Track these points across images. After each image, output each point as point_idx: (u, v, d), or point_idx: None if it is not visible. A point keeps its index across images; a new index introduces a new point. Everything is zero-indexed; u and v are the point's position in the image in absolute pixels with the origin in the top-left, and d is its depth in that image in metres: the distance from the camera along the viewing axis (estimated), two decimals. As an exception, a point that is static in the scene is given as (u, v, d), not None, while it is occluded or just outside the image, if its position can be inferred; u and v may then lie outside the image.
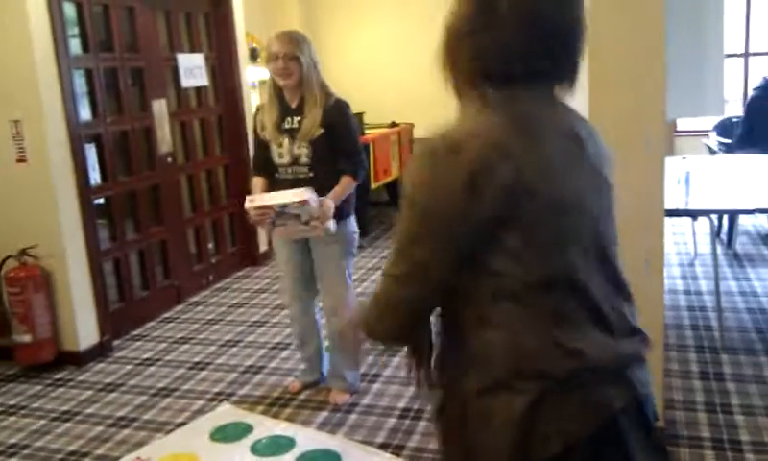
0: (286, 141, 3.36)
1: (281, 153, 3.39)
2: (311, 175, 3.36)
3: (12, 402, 3.86)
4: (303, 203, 3.17)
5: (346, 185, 3.38)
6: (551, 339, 1.26)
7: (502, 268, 1.26)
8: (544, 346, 1.27)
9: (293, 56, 3.28)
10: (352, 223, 3.54)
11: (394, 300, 1.34)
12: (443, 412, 1.43)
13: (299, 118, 3.35)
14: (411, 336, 1.45)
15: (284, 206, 3.19)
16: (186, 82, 5.42)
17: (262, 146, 3.47)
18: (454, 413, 1.38)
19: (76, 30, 4.53)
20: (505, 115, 1.28)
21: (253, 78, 6.36)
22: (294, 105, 3.38)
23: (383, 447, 3.18)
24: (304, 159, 3.35)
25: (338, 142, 3.36)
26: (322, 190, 3.31)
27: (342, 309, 3.52)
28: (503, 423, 1.27)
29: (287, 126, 3.37)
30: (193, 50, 5.59)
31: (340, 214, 3.39)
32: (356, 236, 3.57)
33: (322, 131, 3.32)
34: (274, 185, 3.46)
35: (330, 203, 3.29)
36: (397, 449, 3.16)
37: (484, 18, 1.31)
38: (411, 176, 1.30)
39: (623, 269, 1.40)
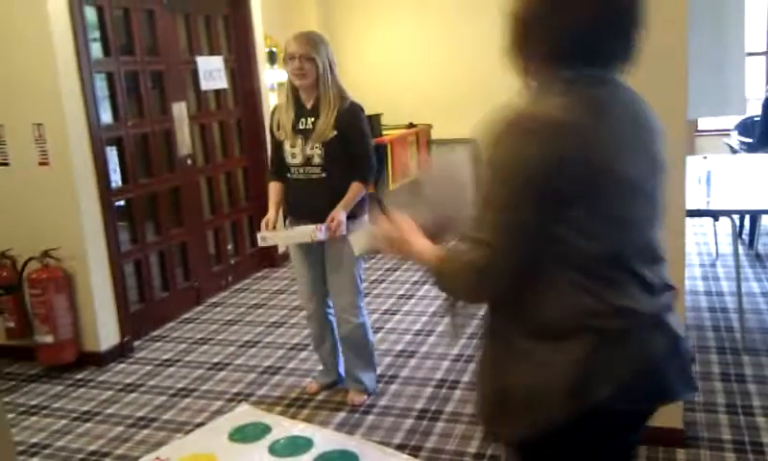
0: (299, 141, 3.38)
1: (294, 153, 3.40)
2: (323, 175, 3.37)
3: (33, 402, 3.90)
4: (313, 239, 3.33)
5: (356, 192, 3.40)
6: (606, 301, 1.43)
7: (568, 237, 1.41)
8: (601, 307, 1.43)
9: (309, 57, 3.30)
10: (364, 222, 3.55)
11: (492, 269, 1.44)
12: (490, 357, 1.57)
13: (313, 119, 3.37)
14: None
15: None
16: (206, 84, 5.46)
17: (278, 147, 3.49)
18: (502, 357, 1.53)
19: (97, 34, 4.58)
20: (582, 95, 1.42)
21: (272, 80, 6.39)
22: (309, 105, 3.39)
23: (401, 447, 3.19)
24: (317, 160, 3.36)
25: (350, 146, 3.36)
26: (334, 191, 3.35)
27: (351, 314, 3.52)
28: (562, 369, 1.43)
29: (301, 126, 3.39)
30: (212, 53, 5.63)
31: (352, 216, 3.42)
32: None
33: (335, 133, 3.33)
34: (287, 187, 3.49)
35: (341, 216, 3.33)
36: (415, 450, 3.16)
37: (553, 2, 1.43)
38: (500, 149, 1.40)
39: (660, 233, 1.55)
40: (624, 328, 1.45)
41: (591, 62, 1.44)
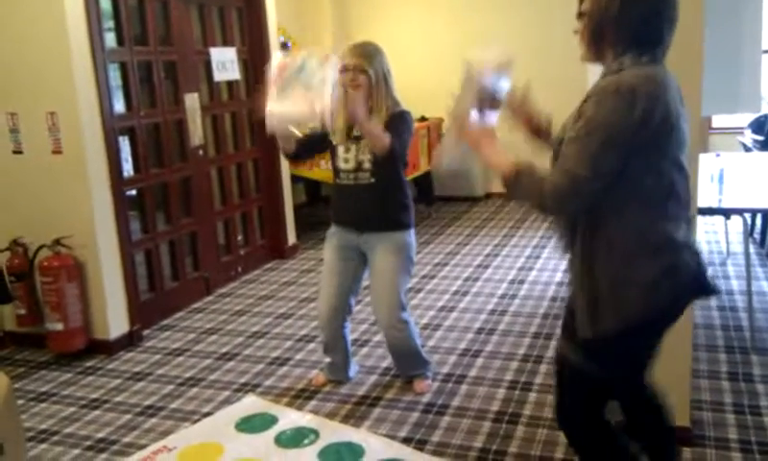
0: (353, 147, 3.39)
1: (347, 158, 3.40)
2: (372, 180, 3.38)
3: (43, 389, 3.94)
4: (327, 58, 3.19)
5: (382, 132, 3.22)
6: (666, 231, 1.94)
7: (641, 177, 1.88)
8: (662, 236, 1.94)
9: (362, 68, 3.31)
10: (412, 236, 3.52)
11: (581, 194, 1.90)
12: (580, 273, 2.03)
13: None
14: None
15: (302, 67, 3.17)
16: (219, 75, 5.47)
17: (330, 151, 3.48)
18: (590, 274, 1.99)
19: (111, 23, 4.60)
20: (652, 71, 1.88)
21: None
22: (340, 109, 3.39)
23: (406, 441, 3.19)
24: (367, 165, 3.37)
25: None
26: (380, 197, 3.39)
27: (397, 330, 3.49)
28: (640, 282, 1.93)
29: (356, 133, 3.39)
30: (225, 44, 5.64)
31: (401, 223, 3.43)
32: (414, 252, 3.55)
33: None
34: (334, 192, 3.54)
35: (364, 116, 3.21)
36: (420, 444, 3.16)
37: (622, 3, 1.91)
38: (598, 106, 1.85)
39: None
40: (677, 252, 1.96)
41: (652, 48, 1.92)
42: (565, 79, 7.15)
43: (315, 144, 3.55)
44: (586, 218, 1.98)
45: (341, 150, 3.42)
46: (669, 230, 1.94)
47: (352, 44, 3.42)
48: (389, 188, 3.42)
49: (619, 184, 1.88)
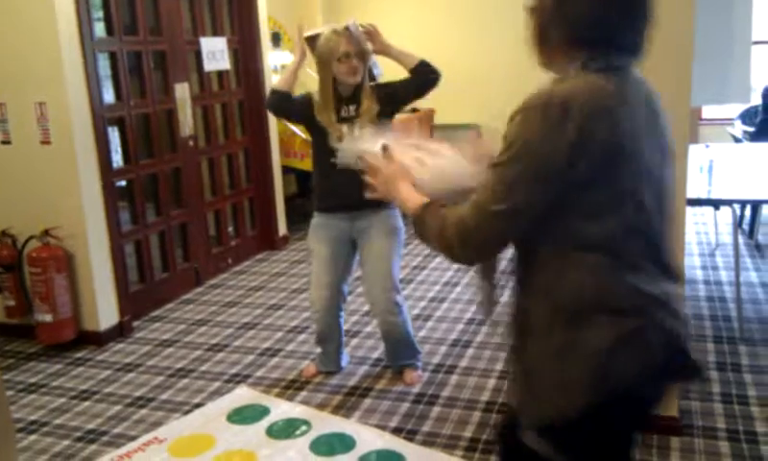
0: (345, 128, 3.38)
1: (341, 136, 3.38)
2: None
3: (32, 380, 3.93)
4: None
5: (410, 53, 3.45)
6: (628, 284, 1.48)
7: (588, 219, 1.46)
8: (623, 289, 1.48)
9: (364, 53, 3.34)
10: (401, 219, 3.55)
11: (488, 232, 1.51)
12: (517, 341, 1.62)
13: (354, 106, 3.39)
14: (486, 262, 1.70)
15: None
16: (209, 65, 5.45)
17: (319, 134, 3.45)
18: (527, 341, 1.57)
19: (100, 13, 4.57)
20: (598, 80, 1.47)
21: (276, 62, 6.37)
22: (347, 94, 3.40)
23: (397, 431, 3.20)
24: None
25: (398, 90, 3.45)
26: None
27: (392, 314, 3.51)
28: (588, 353, 1.46)
29: (344, 115, 3.39)
30: (216, 34, 5.61)
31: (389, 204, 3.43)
32: (404, 235, 3.58)
33: (378, 108, 3.40)
34: (323, 176, 3.46)
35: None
36: (411, 434, 3.17)
37: None
38: (521, 126, 1.46)
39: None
40: (645, 311, 1.49)
41: (605, 50, 1.50)
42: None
43: (294, 109, 3.52)
44: (520, 267, 1.63)
45: (333, 134, 3.39)
46: (631, 281, 1.48)
47: (337, 30, 3.36)
48: None
49: (557, 223, 1.48)
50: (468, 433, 3.16)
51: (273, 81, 6.18)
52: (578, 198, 1.44)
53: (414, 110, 7.18)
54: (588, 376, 1.46)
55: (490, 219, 1.48)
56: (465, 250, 1.55)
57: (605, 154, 1.42)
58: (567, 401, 1.48)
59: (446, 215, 1.57)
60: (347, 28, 3.33)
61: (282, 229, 6.32)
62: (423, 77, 3.41)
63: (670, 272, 1.56)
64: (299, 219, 6.69)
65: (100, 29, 4.53)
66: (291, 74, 3.50)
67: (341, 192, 3.39)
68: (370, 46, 3.39)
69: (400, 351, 3.67)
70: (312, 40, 3.41)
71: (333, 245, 3.52)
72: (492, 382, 3.60)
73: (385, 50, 3.44)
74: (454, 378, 3.66)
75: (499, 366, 3.77)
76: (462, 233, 1.52)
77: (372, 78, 3.56)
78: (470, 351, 3.96)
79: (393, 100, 3.45)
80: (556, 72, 1.56)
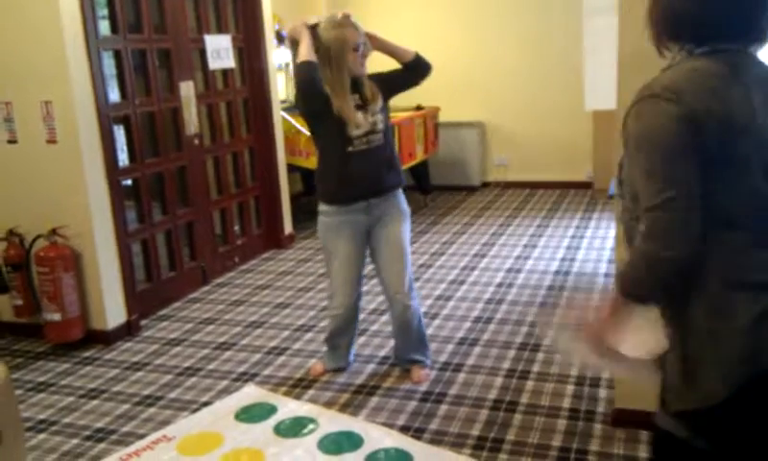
0: (360, 115, 3.39)
1: (358, 124, 3.38)
2: (384, 141, 3.47)
3: (41, 379, 3.93)
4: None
5: (405, 48, 3.55)
6: (762, 258, 1.50)
7: (718, 195, 1.48)
8: (759, 264, 1.49)
9: (367, 43, 3.40)
10: (405, 200, 3.65)
11: (675, 221, 1.47)
12: (668, 329, 1.61)
13: (358, 95, 3.42)
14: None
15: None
16: (213, 63, 5.45)
17: (335, 123, 3.38)
18: (675, 328, 1.58)
19: (105, 11, 4.57)
20: (704, 62, 1.53)
21: (280, 60, 6.37)
22: (348, 84, 3.39)
23: (404, 429, 3.20)
24: (380, 126, 3.45)
25: (393, 78, 3.57)
26: (390, 154, 3.52)
27: (408, 298, 3.53)
28: (731, 337, 1.48)
29: (354, 103, 3.41)
30: (220, 32, 5.61)
31: (402, 179, 3.60)
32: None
33: (379, 93, 3.48)
34: (341, 165, 3.42)
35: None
36: (418, 432, 3.17)
37: None
38: (636, 121, 1.52)
39: None
40: None
41: (710, 38, 1.55)
42: (563, 68, 7.15)
43: (319, 88, 3.37)
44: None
45: (351, 124, 3.37)
46: (764, 255, 1.51)
47: (340, 19, 3.36)
48: (391, 144, 3.56)
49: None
50: (475, 431, 3.15)
51: (277, 79, 6.18)
52: (709, 175, 1.47)
53: (419, 108, 7.18)
54: (734, 360, 1.48)
55: (669, 208, 1.46)
56: (676, 249, 1.48)
57: (721, 129, 1.47)
58: (714, 386, 1.50)
59: (637, 250, 1.54)
60: (348, 16, 3.37)
61: (288, 227, 6.32)
62: (419, 69, 3.55)
63: None
64: (304, 217, 6.70)
65: (105, 27, 4.53)
66: (311, 49, 3.35)
67: (359, 181, 3.42)
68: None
69: (412, 342, 3.66)
70: (312, 29, 3.40)
71: (354, 241, 3.50)
72: (499, 380, 3.60)
73: (383, 46, 3.52)
74: (461, 377, 3.66)
75: (507, 364, 3.77)
76: (661, 237, 1.48)
77: None
78: (477, 350, 3.95)
79: (388, 89, 3.53)
80: (669, 53, 1.62)
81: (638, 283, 1.56)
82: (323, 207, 3.53)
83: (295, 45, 3.42)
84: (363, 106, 3.41)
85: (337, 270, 3.56)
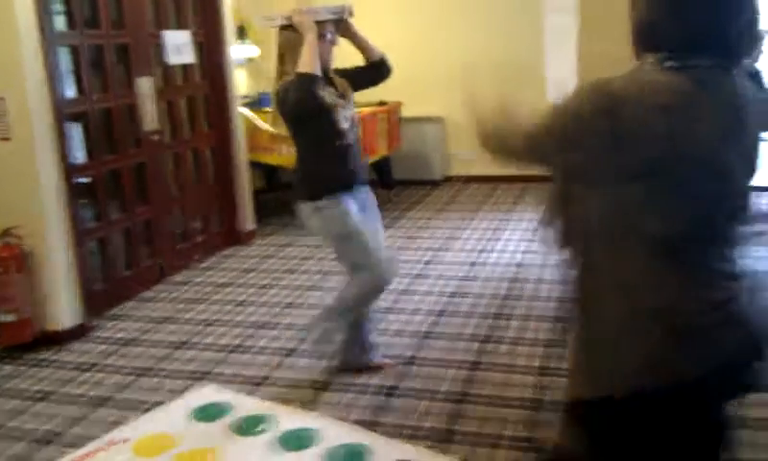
0: (340, 110, 3.36)
1: (346, 116, 3.37)
2: (356, 134, 3.49)
3: (-11, 382, 3.85)
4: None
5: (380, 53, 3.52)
6: (689, 290, 1.47)
7: (647, 218, 1.44)
8: (683, 295, 1.47)
9: (333, 29, 3.35)
10: None
11: (531, 132, 1.59)
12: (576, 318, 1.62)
13: (332, 89, 3.37)
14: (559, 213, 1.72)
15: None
16: (173, 59, 5.38)
17: (326, 115, 3.32)
18: (582, 321, 1.60)
19: (60, 6, 4.49)
20: (668, 76, 1.43)
21: (241, 55, 6.31)
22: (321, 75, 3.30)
23: (358, 423, 3.19)
24: (356, 118, 3.49)
25: (355, 75, 3.51)
26: (360, 147, 3.53)
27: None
28: (641, 346, 1.47)
29: (335, 96, 3.38)
30: (180, 27, 5.54)
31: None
32: None
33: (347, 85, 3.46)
34: (333, 159, 3.38)
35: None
36: (373, 426, 3.16)
37: None
38: (572, 97, 1.51)
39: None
40: (707, 315, 1.47)
41: (682, 52, 1.46)
42: (525, 64, 7.19)
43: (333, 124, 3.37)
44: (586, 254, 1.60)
45: (339, 113, 3.34)
46: (698, 289, 1.48)
47: (315, 7, 3.32)
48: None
49: (614, 220, 1.49)
50: (429, 423, 3.17)
51: (238, 75, 6.12)
52: (628, 190, 1.45)
53: (382, 103, 7.16)
54: (640, 365, 1.48)
55: (537, 128, 1.58)
56: (525, 149, 1.70)
57: (661, 147, 1.40)
58: (608, 383, 1.51)
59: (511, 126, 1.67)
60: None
61: (249, 224, 6.26)
62: (382, 70, 3.52)
63: (735, 275, 1.52)
64: (267, 213, 6.65)
65: (60, 22, 4.45)
66: (316, 56, 3.19)
67: (354, 169, 3.45)
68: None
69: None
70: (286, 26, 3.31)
71: (364, 212, 3.47)
72: (451, 372, 3.61)
73: (354, 37, 3.46)
74: (425, 370, 3.66)
75: (459, 356, 3.78)
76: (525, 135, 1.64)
77: None
78: (441, 343, 3.96)
79: (353, 84, 3.49)
80: (639, 59, 1.56)
81: (488, 138, 1.76)
82: (321, 203, 3.36)
83: (290, 40, 3.28)
84: (342, 98, 3.39)
85: (368, 240, 3.40)
